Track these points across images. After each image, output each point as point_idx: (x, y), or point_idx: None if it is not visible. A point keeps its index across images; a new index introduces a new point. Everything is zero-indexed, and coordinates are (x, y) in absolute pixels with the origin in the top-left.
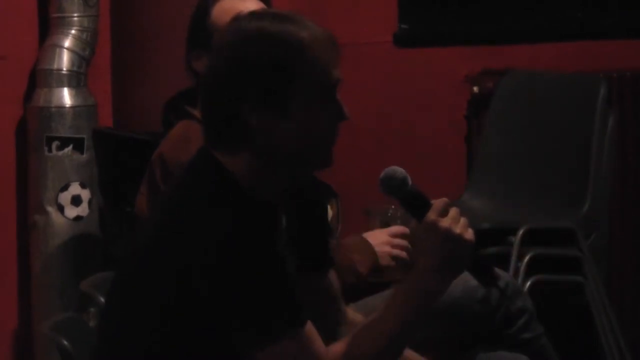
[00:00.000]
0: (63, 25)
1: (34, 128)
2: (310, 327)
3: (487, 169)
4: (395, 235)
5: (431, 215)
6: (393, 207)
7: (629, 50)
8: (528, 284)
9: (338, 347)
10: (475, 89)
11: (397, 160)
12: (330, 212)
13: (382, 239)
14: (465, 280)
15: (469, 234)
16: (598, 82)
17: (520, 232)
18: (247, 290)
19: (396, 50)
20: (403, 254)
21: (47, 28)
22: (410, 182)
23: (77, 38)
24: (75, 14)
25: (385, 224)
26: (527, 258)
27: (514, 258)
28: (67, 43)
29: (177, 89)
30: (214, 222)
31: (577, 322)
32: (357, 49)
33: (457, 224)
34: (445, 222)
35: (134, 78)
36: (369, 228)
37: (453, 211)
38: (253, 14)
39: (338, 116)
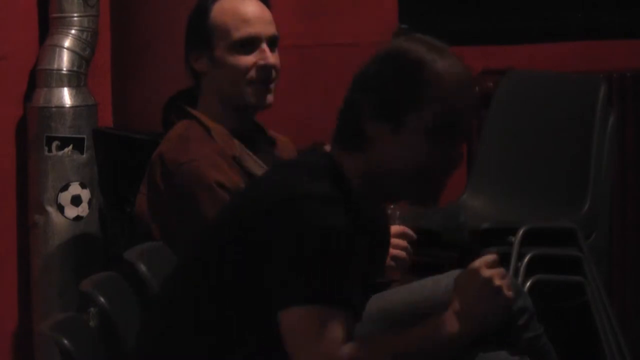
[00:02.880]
0: (63, 25)
1: (34, 128)
2: (347, 317)
3: (487, 168)
4: (394, 235)
5: (477, 263)
6: (392, 207)
7: (630, 50)
8: (528, 283)
9: (350, 347)
10: (476, 88)
11: None
12: None
13: (394, 242)
14: None
15: (510, 293)
16: (598, 82)
17: (521, 231)
18: (308, 248)
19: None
20: (402, 254)
21: (47, 28)
22: None
23: (77, 38)
24: (75, 14)
25: None
26: (527, 258)
27: (514, 258)
28: (67, 43)
29: (177, 89)
30: (307, 183)
31: (577, 322)
32: (357, 48)
33: (500, 278)
34: (489, 272)
35: (134, 78)
36: None
37: (500, 269)
38: (414, 38)
39: (449, 159)
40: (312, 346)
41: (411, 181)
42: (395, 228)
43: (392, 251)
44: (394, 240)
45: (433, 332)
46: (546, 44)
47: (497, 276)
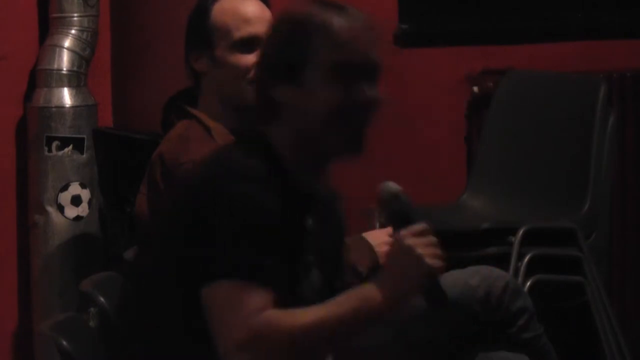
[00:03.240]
0: (63, 25)
1: (34, 128)
2: (267, 291)
3: (487, 168)
4: None
5: (405, 231)
6: None
7: (630, 51)
8: (528, 283)
9: (267, 315)
10: (476, 88)
11: (396, 160)
12: None
13: (381, 239)
14: (465, 281)
15: (433, 262)
16: (598, 82)
17: (520, 232)
18: (228, 224)
19: (396, 50)
20: None
21: (47, 28)
22: (402, 199)
23: (77, 38)
24: (75, 14)
25: (385, 224)
26: (527, 258)
27: (514, 258)
28: (67, 43)
29: (177, 89)
30: (233, 163)
31: (577, 322)
32: None
33: (424, 247)
34: (413, 240)
35: (134, 78)
36: (369, 228)
37: (430, 238)
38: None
39: (359, 98)
40: (230, 317)
41: (331, 131)
42: None
43: None
44: None
45: (355, 303)
46: (546, 44)
47: (420, 245)
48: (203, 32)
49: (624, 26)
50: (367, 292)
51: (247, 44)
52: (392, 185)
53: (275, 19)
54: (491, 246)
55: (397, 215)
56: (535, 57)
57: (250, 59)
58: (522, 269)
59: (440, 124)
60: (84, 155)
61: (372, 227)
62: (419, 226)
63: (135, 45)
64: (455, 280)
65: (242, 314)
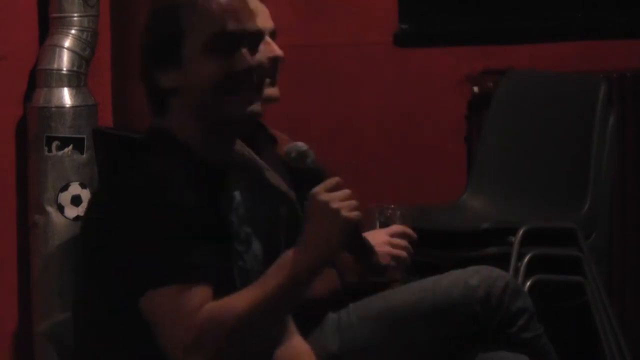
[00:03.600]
0: (63, 25)
1: (33, 128)
2: (201, 285)
3: (487, 168)
4: (395, 235)
5: (317, 187)
6: (392, 206)
7: (630, 51)
8: (528, 283)
9: (206, 310)
10: (476, 89)
11: (397, 159)
12: None
13: (382, 239)
14: (465, 281)
15: (350, 214)
16: (598, 82)
17: (520, 231)
18: (140, 232)
19: (396, 50)
20: (403, 253)
21: (47, 28)
22: (310, 158)
23: (77, 38)
24: (75, 14)
25: (385, 224)
26: (527, 258)
27: (514, 258)
28: (67, 43)
29: None
30: (134, 169)
31: (577, 322)
32: (357, 49)
33: (339, 201)
34: (326, 196)
35: (134, 78)
36: (369, 227)
37: (343, 191)
38: None
39: (241, 65)
40: (171, 324)
41: (223, 101)
42: (395, 228)
43: (392, 251)
44: (393, 240)
45: (282, 273)
46: (546, 44)
47: (334, 199)
48: None
49: (624, 26)
50: (291, 259)
51: (250, 38)
52: (300, 145)
53: (148, 10)
54: (491, 246)
55: (308, 174)
56: (535, 57)
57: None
58: (522, 269)
59: (441, 124)
60: (84, 156)
61: (373, 227)
62: (331, 181)
63: (135, 45)
64: (455, 280)
65: (181, 318)
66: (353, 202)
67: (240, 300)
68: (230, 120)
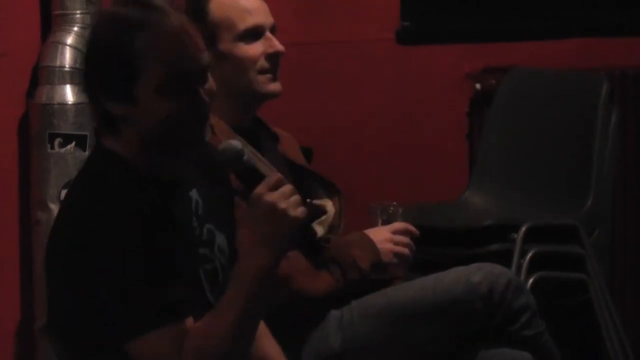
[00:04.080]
0: (65, 22)
1: (36, 125)
2: (178, 320)
3: (489, 166)
4: (397, 232)
5: (259, 188)
6: (394, 204)
7: (632, 48)
8: (530, 281)
9: (188, 346)
10: (478, 86)
11: (399, 157)
12: (332, 209)
13: (384, 236)
14: (468, 278)
15: (297, 211)
16: (600, 79)
17: (523, 229)
18: (107, 276)
19: (398, 47)
20: (405, 250)
21: (50, 25)
22: (245, 156)
23: (79, 35)
24: (78, 11)
25: (387, 221)
26: (529, 255)
27: (516, 255)
28: (70, 40)
29: None
30: (85, 200)
31: (580, 319)
32: (359, 46)
33: (284, 199)
34: (271, 197)
35: None
36: (371, 225)
37: (285, 188)
38: (120, 0)
39: (191, 105)
40: None
41: (171, 135)
42: (397, 225)
43: (394, 248)
44: (395, 237)
45: (244, 282)
46: (548, 41)
47: (281, 199)
48: (203, 30)
49: (626, 24)
50: (247, 268)
51: (252, 33)
52: (234, 143)
53: (98, 26)
54: (493, 243)
55: (247, 172)
56: (537, 54)
57: (257, 47)
58: (525, 266)
59: (442, 122)
60: (87, 153)
61: (375, 225)
62: (272, 178)
63: None
64: (457, 277)
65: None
66: (297, 198)
67: (217, 325)
68: (182, 147)
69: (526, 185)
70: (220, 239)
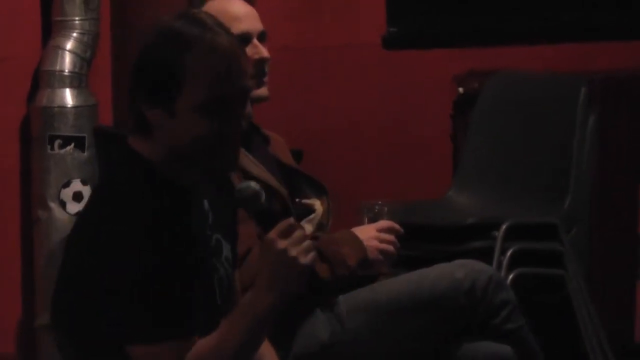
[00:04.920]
0: (65, 28)
1: (37, 127)
2: (179, 340)
3: (472, 166)
4: (382, 230)
5: (271, 234)
6: (380, 203)
7: (610, 52)
8: (510, 277)
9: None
10: (461, 89)
11: (386, 158)
12: (321, 208)
13: (370, 234)
14: (451, 274)
15: (307, 258)
16: (580, 82)
17: (504, 227)
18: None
19: (385, 52)
20: (390, 247)
21: (50, 31)
22: (262, 198)
23: (78, 40)
24: (77, 18)
25: (373, 220)
26: (510, 252)
27: (497, 252)
28: (69, 45)
29: None
30: (108, 200)
31: (559, 314)
32: (347, 51)
33: (295, 246)
34: (282, 244)
35: None
36: (358, 223)
37: (297, 234)
38: (175, 14)
39: (228, 127)
40: None
41: (201, 155)
42: (382, 223)
43: (380, 245)
44: (381, 235)
45: (247, 315)
46: (530, 46)
47: (291, 246)
48: None
49: (606, 29)
50: (253, 305)
51: (241, 40)
52: (253, 185)
53: (154, 35)
54: (476, 241)
55: (262, 214)
56: (519, 59)
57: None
58: (505, 262)
59: (427, 123)
60: (85, 153)
61: (362, 223)
62: (284, 223)
63: (135, 47)
64: (441, 273)
65: None
66: (308, 244)
67: (218, 347)
68: (209, 165)
69: (507, 185)
70: (227, 249)
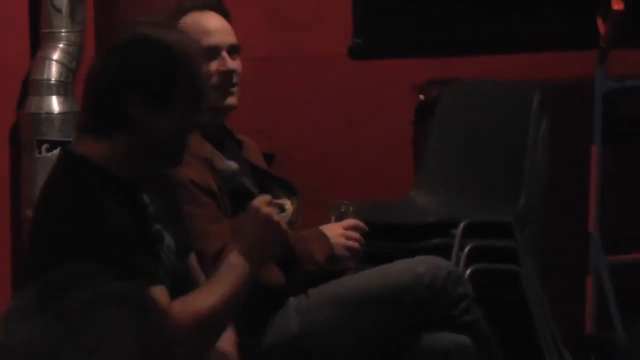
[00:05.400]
0: (52, 39)
1: (26, 132)
2: (163, 288)
3: (432, 169)
4: (348, 228)
5: (257, 202)
6: (346, 203)
7: (562, 61)
8: (468, 272)
9: (176, 305)
10: (422, 96)
11: (351, 161)
12: (291, 208)
13: (337, 232)
14: (413, 269)
15: (285, 226)
16: (533, 89)
17: (462, 225)
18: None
19: (351, 62)
20: (356, 244)
21: (38, 42)
22: (240, 176)
23: (64, 51)
24: (63, 30)
25: (340, 218)
26: (467, 249)
27: (455, 249)
28: (56, 56)
29: None
30: (57, 192)
31: (514, 308)
32: (315, 60)
33: (277, 214)
34: (267, 209)
35: None
36: (326, 221)
37: (276, 206)
38: (153, 22)
39: (191, 125)
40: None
41: (167, 148)
42: (348, 221)
43: (346, 242)
44: (347, 233)
45: (235, 271)
46: (486, 56)
47: (274, 213)
48: None
49: (556, 40)
50: (241, 262)
51: (208, 54)
52: (232, 165)
53: (139, 40)
54: (435, 238)
55: (242, 190)
56: (476, 68)
57: (211, 66)
58: (463, 258)
59: (391, 129)
60: None
61: (329, 221)
62: (266, 196)
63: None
64: (404, 268)
65: (158, 316)
66: (286, 215)
67: (210, 296)
68: (168, 159)
69: (465, 187)
70: (168, 238)
